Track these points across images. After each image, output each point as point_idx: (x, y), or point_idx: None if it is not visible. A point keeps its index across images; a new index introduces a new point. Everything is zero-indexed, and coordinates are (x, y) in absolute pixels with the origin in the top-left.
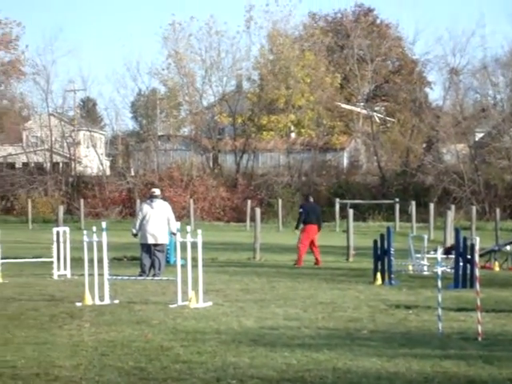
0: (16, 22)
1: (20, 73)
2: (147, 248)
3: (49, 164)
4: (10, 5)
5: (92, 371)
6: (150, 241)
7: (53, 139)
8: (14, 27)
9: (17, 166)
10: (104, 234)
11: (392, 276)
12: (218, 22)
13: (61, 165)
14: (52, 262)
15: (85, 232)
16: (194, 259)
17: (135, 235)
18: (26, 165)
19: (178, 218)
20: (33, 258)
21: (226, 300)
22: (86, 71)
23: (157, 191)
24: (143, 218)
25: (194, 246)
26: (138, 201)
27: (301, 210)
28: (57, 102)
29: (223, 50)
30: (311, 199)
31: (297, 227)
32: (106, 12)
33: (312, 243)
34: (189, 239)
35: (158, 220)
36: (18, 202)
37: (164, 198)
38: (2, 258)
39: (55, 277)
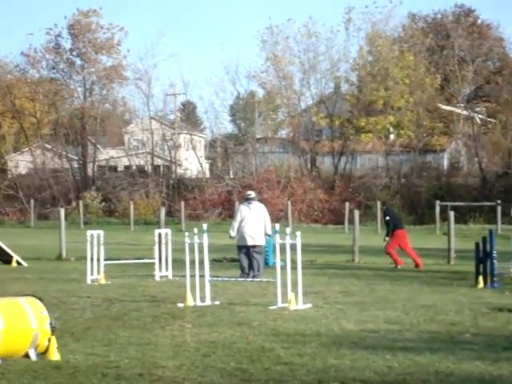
0: (119, 27)
1: (122, 77)
2: (246, 250)
3: (150, 167)
4: (113, 10)
5: (194, 372)
6: (249, 242)
7: (154, 142)
8: (116, 32)
9: (119, 168)
10: (205, 235)
11: (494, 279)
12: (315, 23)
13: (161, 167)
14: (154, 264)
15: (186, 234)
16: (293, 261)
17: (233, 237)
18: (127, 167)
19: (276, 219)
20: (135, 259)
21: (326, 302)
22: (186, 75)
23: (252, 193)
24: (242, 219)
25: (293, 247)
26: (237, 203)
27: (387, 217)
28: (158, 105)
29: (321, 52)
30: (390, 205)
31: (387, 235)
32: (205, 16)
33: (402, 247)
34: (288, 241)
35: (256, 222)
36: (120, 204)
37: (260, 200)
38: (104, 260)
39: (157, 278)
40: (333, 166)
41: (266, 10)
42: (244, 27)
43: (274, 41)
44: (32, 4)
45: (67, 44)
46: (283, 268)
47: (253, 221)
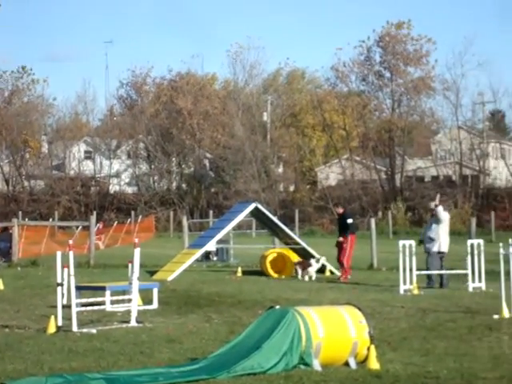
0: (427, 38)
1: (430, 88)
2: None
3: (458, 176)
4: (422, 20)
5: None
6: None
7: (462, 152)
8: (424, 43)
9: (426, 179)
10: None
11: None
12: None
13: (470, 177)
14: (466, 274)
15: (501, 244)
16: None
17: None
18: (435, 178)
19: None
20: (447, 269)
21: None
22: (495, 83)
23: None
24: None
25: None
26: None
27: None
28: (466, 114)
29: None
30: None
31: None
32: None
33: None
34: None
35: None
36: (427, 215)
37: None
38: (416, 270)
39: (470, 289)
40: None
41: None
42: None
43: None
44: (341, 19)
45: (376, 56)
46: None
47: None
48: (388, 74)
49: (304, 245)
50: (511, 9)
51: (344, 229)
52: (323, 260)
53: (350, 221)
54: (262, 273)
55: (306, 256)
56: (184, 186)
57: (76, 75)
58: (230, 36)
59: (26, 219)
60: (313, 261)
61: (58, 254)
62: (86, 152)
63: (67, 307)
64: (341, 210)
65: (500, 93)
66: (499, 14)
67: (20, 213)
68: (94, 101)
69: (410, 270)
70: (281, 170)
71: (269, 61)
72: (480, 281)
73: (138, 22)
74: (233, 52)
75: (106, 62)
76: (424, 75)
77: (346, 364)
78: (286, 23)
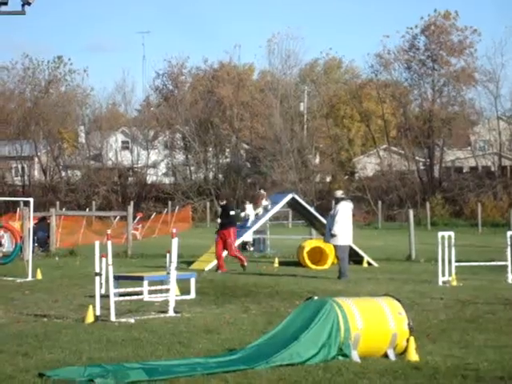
0: (472, 29)
1: (471, 78)
2: None
3: (497, 168)
4: (467, 9)
5: None
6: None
7: (501, 142)
8: (469, 34)
9: (464, 170)
10: None
11: None
12: None
13: (509, 168)
14: (505, 266)
15: None
16: None
17: None
18: (474, 169)
19: None
20: (485, 261)
21: None
22: None
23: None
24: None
25: None
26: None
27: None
28: (505, 105)
29: None
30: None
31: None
32: None
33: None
34: None
35: None
36: (466, 206)
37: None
38: (455, 261)
39: (509, 281)
40: None
41: None
42: None
43: None
44: (389, 6)
45: (420, 45)
46: None
47: None
48: (430, 64)
49: None
50: None
51: (227, 221)
52: None
53: (232, 213)
54: (299, 264)
55: None
56: (221, 176)
57: (113, 65)
58: (267, 27)
59: (64, 209)
60: None
61: (97, 243)
62: (123, 142)
63: (105, 297)
64: (224, 202)
65: None
66: None
67: (58, 203)
68: (132, 91)
69: (449, 261)
70: (317, 160)
71: (308, 50)
72: None
73: (172, 13)
74: (272, 42)
75: (144, 53)
76: (466, 66)
77: (385, 356)
78: (326, 12)
